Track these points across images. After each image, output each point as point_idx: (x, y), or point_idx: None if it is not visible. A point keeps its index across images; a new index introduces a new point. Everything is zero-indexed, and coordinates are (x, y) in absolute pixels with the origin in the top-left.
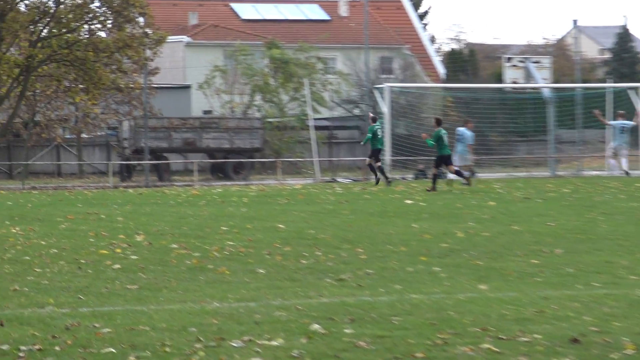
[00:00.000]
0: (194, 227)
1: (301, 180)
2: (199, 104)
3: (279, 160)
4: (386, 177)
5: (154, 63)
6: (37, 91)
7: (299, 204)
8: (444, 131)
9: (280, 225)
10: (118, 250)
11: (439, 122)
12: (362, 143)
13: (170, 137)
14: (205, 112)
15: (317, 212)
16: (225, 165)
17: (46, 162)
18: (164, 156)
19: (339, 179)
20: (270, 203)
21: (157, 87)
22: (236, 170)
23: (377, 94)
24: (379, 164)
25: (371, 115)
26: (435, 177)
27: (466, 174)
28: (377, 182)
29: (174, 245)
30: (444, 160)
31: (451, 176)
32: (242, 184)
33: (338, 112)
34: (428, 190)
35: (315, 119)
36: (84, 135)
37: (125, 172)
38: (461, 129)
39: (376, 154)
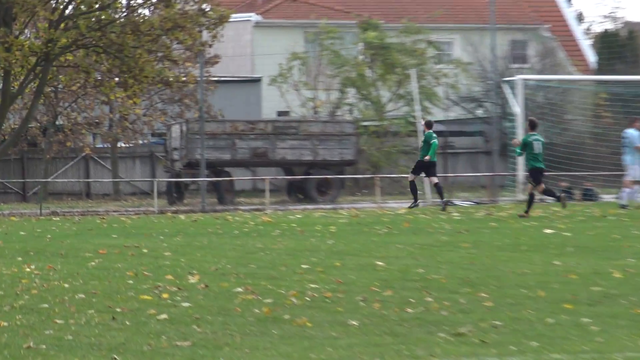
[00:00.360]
0: (264, 265)
1: (406, 202)
2: (271, 102)
3: (377, 177)
4: (443, 199)
5: (212, 49)
6: (60, 86)
7: (403, 234)
8: (537, 136)
9: (379, 263)
10: (165, 296)
11: (532, 125)
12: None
13: (234, 146)
14: (280, 113)
15: (427, 245)
16: (307, 183)
17: (71, 179)
18: (225, 171)
19: (457, 201)
20: (365, 233)
21: (216, 81)
22: (321, 189)
23: (506, 89)
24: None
25: (426, 120)
26: (532, 199)
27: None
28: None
29: (239, 289)
30: (535, 176)
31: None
32: (329, 208)
33: (455, 113)
34: (520, 216)
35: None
36: (120, 144)
37: (175, 193)
38: (629, 131)
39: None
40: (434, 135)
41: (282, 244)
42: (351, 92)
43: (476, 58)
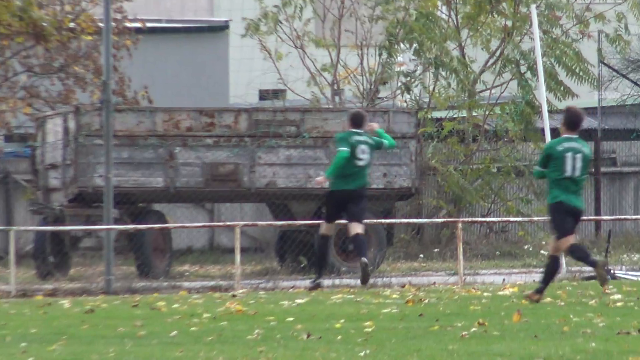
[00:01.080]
0: None
1: (521, 273)
2: (248, 73)
3: (459, 222)
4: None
5: None
6: None
7: (511, 336)
8: (570, 142)
9: None
10: None
11: (571, 124)
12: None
13: (172, 160)
14: (265, 93)
15: None
16: (317, 234)
17: None
18: (154, 212)
19: (621, 274)
20: (434, 335)
21: (138, 30)
22: (346, 247)
23: None
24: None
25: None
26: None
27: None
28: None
29: None
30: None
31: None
32: (361, 284)
33: (618, 92)
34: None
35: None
36: None
37: (53, 254)
38: None
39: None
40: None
41: (267, 358)
42: (407, 51)
43: None
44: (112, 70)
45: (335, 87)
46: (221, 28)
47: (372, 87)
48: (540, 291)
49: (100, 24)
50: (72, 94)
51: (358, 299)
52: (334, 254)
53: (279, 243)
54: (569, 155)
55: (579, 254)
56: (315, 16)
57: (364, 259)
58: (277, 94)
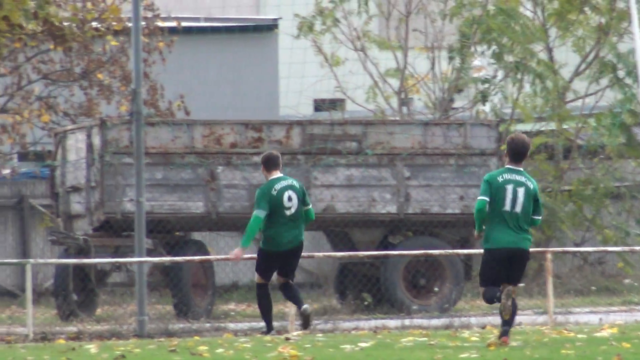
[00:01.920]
0: None
1: (625, 312)
2: (299, 79)
3: (548, 252)
4: None
5: None
6: None
7: None
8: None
9: None
10: None
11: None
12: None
13: (214, 182)
14: (320, 103)
15: None
16: (385, 267)
17: None
18: (193, 241)
19: None
20: None
21: (172, 30)
22: (417, 282)
23: None
24: None
25: None
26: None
27: None
28: None
29: None
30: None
31: None
32: (434, 325)
33: None
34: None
35: None
36: None
37: (77, 291)
38: None
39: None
40: None
41: None
42: (484, 54)
43: None
44: (142, 77)
45: (403, 96)
46: (269, 27)
47: (446, 95)
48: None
49: (129, 24)
50: (96, 105)
51: (431, 342)
52: (403, 289)
53: (339, 277)
54: (509, 187)
55: (486, 298)
56: (379, 13)
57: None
58: (334, 104)
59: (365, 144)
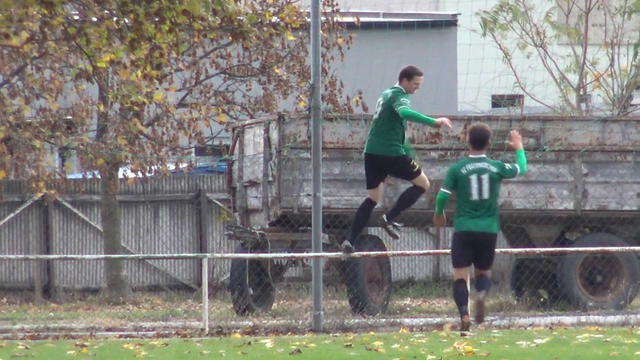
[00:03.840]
0: None
1: None
2: (478, 75)
3: None
4: None
5: None
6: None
7: None
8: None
9: None
10: None
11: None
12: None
13: None
14: (498, 100)
15: None
16: (562, 264)
17: (10, 255)
18: (373, 237)
19: None
20: None
21: (351, 25)
22: (593, 279)
23: None
24: None
25: None
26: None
27: None
28: None
29: None
30: None
31: None
32: (611, 321)
33: None
34: None
35: None
36: (125, 174)
37: (253, 286)
38: None
39: None
40: None
41: None
42: None
43: None
44: (320, 72)
45: (582, 92)
46: (448, 23)
47: (625, 92)
48: (465, 312)
49: (307, 19)
50: (274, 100)
51: (607, 339)
52: (579, 286)
53: (515, 273)
54: (473, 177)
55: (456, 294)
56: (557, 8)
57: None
58: (513, 100)
59: (543, 140)
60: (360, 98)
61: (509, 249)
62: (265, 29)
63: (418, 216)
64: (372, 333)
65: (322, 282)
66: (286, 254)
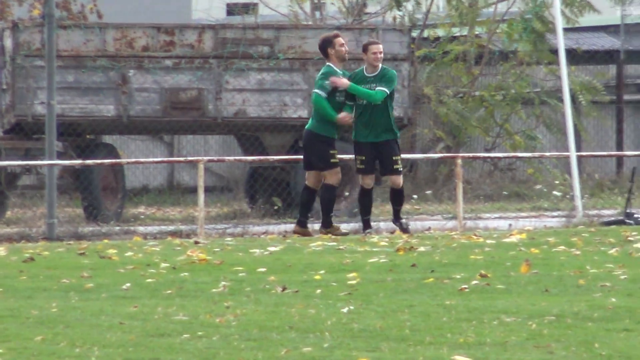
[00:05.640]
0: None
1: (535, 218)
2: None
3: (458, 158)
4: None
5: None
6: None
7: (518, 290)
8: None
9: None
10: None
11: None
12: None
13: (125, 85)
14: (233, 7)
15: (579, 319)
16: (296, 171)
17: None
18: (104, 145)
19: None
20: (427, 288)
21: None
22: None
23: None
24: None
25: None
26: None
27: None
28: None
29: None
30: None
31: None
32: (344, 229)
33: (635, 12)
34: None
35: None
36: None
37: None
38: None
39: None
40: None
41: (234, 314)
42: None
43: None
44: None
45: (316, 1)
46: None
47: (359, 0)
48: (303, 224)
49: None
50: (8, 8)
51: (341, 247)
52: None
53: (249, 182)
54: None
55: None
56: None
57: None
58: (247, 8)
59: (277, 49)
60: (95, 6)
61: (243, 157)
62: None
63: (152, 124)
64: (106, 241)
65: (56, 190)
66: (20, 162)
